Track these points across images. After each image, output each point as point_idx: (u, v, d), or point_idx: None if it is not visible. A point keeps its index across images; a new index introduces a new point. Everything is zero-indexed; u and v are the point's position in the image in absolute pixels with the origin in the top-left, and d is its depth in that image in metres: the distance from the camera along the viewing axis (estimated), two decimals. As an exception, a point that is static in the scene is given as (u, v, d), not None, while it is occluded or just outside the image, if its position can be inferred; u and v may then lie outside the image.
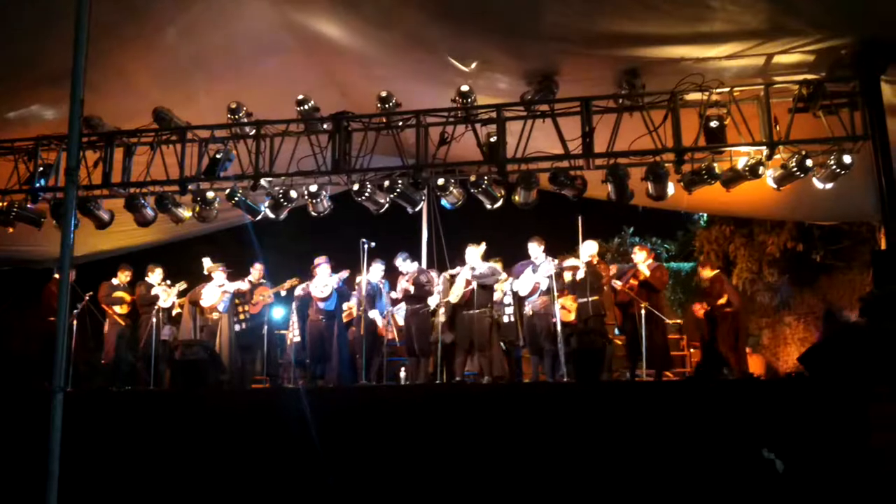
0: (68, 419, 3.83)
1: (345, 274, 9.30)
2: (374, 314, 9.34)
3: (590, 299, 8.48)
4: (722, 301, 8.87)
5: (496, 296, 8.95)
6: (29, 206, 8.53)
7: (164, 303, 9.58)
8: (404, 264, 9.21)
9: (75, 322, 9.36)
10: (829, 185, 7.19)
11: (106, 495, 6.53)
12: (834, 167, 6.92)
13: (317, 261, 9.42)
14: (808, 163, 6.95)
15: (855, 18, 6.35)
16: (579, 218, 8.53)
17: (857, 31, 6.45)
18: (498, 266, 8.85)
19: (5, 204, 8.58)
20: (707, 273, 9.36)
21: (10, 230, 8.71)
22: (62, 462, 3.71)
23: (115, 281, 9.85)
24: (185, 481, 6.61)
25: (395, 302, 9.49)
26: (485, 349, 8.63)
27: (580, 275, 8.54)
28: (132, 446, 6.85)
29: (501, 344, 8.88)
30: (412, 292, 8.92)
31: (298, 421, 6.80)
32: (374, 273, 9.46)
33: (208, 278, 9.59)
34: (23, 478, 5.74)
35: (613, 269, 8.96)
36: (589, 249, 8.73)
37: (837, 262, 11.81)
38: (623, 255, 14.15)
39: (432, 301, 9.02)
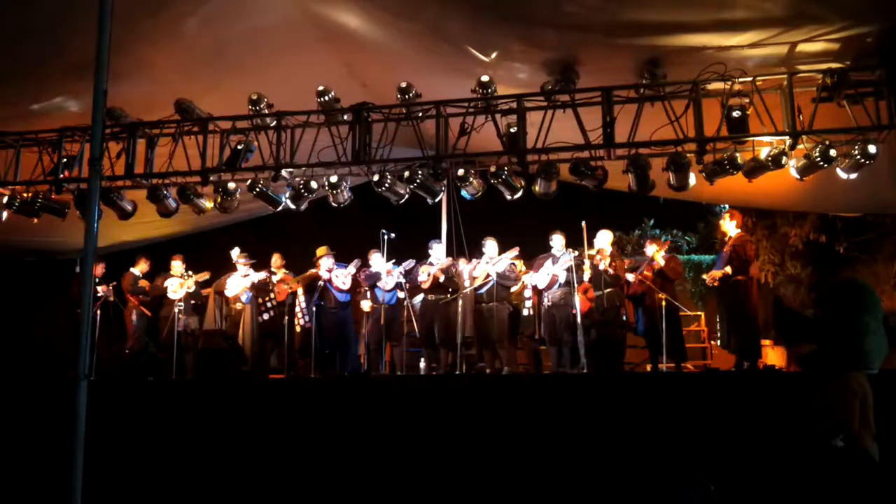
0: (92, 407, 3.90)
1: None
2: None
3: (605, 292, 8.46)
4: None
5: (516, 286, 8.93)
6: (53, 196, 8.63)
7: (174, 294, 9.59)
8: (440, 252, 9.22)
9: (99, 312, 9.47)
10: (854, 176, 7.08)
11: (128, 482, 6.62)
12: (858, 157, 6.81)
13: (319, 252, 9.49)
14: (832, 153, 6.83)
15: (881, 5, 6.23)
16: (583, 223, 8.50)
17: (883, 18, 6.32)
18: (517, 266, 8.81)
19: (30, 195, 8.69)
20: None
21: (35, 221, 8.82)
22: (87, 448, 3.78)
23: (135, 271, 10.03)
24: (205, 470, 6.69)
25: (414, 291, 9.45)
26: (503, 342, 8.62)
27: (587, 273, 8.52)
28: (154, 434, 6.94)
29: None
30: (441, 281, 8.92)
31: (317, 411, 6.86)
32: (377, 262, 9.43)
33: (234, 268, 9.65)
34: (49, 464, 5.83)
35: (627, 262, 8.89)
36: (601, 240, 8.68)
37: (861, 255, 11.66)
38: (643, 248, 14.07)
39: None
